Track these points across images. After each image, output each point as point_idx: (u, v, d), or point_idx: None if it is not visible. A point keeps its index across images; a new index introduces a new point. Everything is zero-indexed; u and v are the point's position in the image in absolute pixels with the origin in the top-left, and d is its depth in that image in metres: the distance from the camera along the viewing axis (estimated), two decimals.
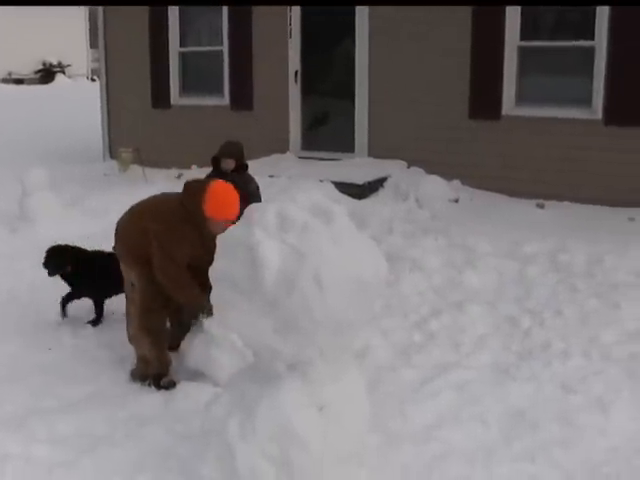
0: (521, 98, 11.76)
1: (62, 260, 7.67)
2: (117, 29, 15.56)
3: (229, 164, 8.58)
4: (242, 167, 8.62)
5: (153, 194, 6.72)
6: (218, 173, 8.58)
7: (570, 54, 11.45)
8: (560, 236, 9.35)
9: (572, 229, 9.77)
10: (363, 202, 11.10)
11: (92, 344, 7.08)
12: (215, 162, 8.73)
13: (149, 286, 6.18)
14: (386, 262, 4.34)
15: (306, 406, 4.27)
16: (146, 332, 6.31)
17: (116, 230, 6.54)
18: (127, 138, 15.11)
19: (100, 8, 15.93)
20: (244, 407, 4.35)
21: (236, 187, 6.49)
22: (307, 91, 13.60)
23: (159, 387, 6.24)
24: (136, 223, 6.31)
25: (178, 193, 6.30)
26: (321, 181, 11.30)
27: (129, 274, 6.38)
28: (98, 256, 7.72)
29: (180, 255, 5.96)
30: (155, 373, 6.33)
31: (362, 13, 12.70)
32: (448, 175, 11.71)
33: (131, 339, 6.48)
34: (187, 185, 6.29)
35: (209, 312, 5.94)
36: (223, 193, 6.08)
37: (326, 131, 13.64)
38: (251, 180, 8.60)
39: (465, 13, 11.71)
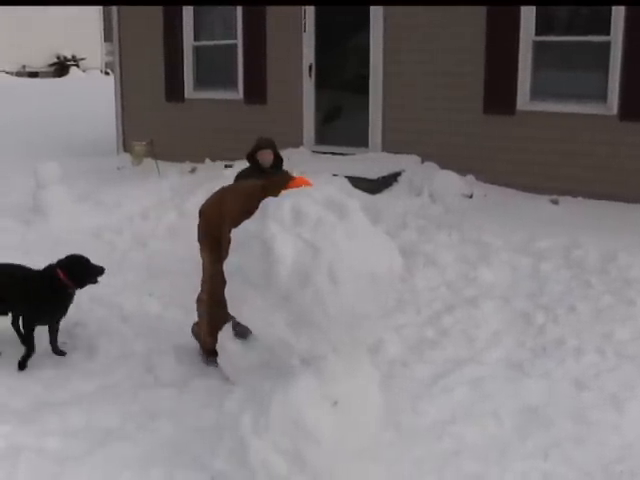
0: (536, 93, 11.70)
1: None
2: (131, 23, 15.58)
3: (267, 156, 8.48)
4: (279, 160, 8.51)
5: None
6: (255, 168, 8.49)
7: (585, 49, 11.38)
8: (574, 232, 9.30)
9: (586, 225, 9.72)
10: (377, 197, 11.07)
11: (106, 338, 7.07)
12: (252, 158, 8.60)
13: (220, 276, 6.06)
14: (401, 257, 4.32)
15: (319, 401, 4.26)
16: (207, 320, 6.35)
17: (200, 211, 6.53)
18: (141, 132, 15.10)
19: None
20: (257, 402, 4.35)
21: None
22: (321, 85, 13.55)
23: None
24: (218, 205, 6.27)
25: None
26: (335, 176, 11.27)
27: (203, 257, 6.41)
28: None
29: None
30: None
31: (377, 9, 12.67)
32: (462, 170, 11.67)
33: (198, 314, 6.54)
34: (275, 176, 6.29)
35: None
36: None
37: (340, 126, 13.60)
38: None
39: (480, 7, 11.66)
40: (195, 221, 6.64)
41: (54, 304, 6.75)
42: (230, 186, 6.53)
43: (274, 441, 4.24)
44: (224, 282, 5.78)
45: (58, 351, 6.84)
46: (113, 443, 5.20)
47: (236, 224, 4.90)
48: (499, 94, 11.83)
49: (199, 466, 4.77)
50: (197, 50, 14.97)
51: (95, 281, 6.83)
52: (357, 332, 4.23)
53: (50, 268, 6.73)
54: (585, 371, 6.25)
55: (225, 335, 5.95)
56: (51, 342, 6.86)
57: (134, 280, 8.49)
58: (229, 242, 4.70)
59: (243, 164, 9.03)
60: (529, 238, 9.22)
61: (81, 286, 6.78)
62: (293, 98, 13.61)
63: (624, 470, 4.98)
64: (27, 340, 6.68)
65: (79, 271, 6.72)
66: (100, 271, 6.83)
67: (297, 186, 5.67)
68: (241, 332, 5.99)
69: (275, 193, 5.41)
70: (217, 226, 6.13)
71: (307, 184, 5.80)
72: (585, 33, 11.33)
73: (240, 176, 8.57)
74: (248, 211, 4.90)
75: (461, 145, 12.03)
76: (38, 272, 6.81)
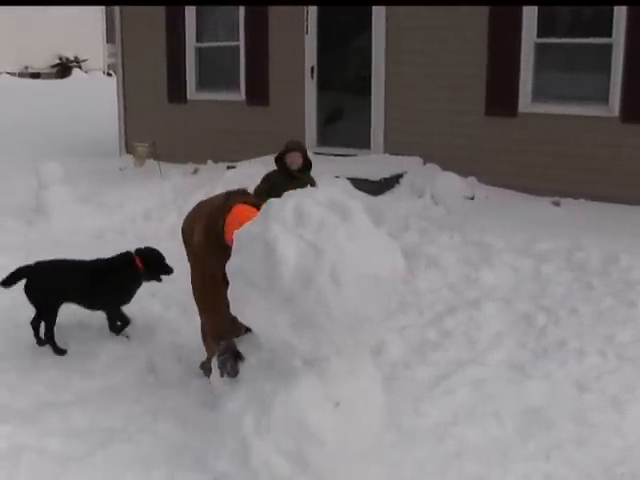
0: (537, 95, 11.70)
1: None
2: (134, 23, 15.58)
3: (296, 159, 8.18)
4: (308, 163, 8.35)
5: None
6: (283, 171, 8.23)
7: (587, 51, 11.39)
8: (576, 234, 9.30)
9: (588, 227, 9.73)
10: (379, 198, 11.07)
11: (108, 339, 7.07)
12: (280, 160, 8.28)
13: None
14: (403, 259, 4.33)
15: (322, 402, 4.27)
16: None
17: (182, 230, 6.12)
18: (143, 133, 15.09)
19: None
20: (259, 402, 4.35)
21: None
22: (323, 87, 13.56)
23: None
24: (192, 226, 5.83)
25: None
26: (337, 177, 11.27)
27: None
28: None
29: (220, 269, 4.85)
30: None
31: (379, 11, 12.68)
32: (464, 172, 11.67)
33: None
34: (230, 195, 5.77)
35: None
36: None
37: (342, 127, 13.61)
38: (314, 185, 8.07)
39: (482, 9, 11.66)
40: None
41: (126, 288, 7.04)
42: (198, 206, 6.01)
43: (276, 442, 4.24)
44: (224, 320, 5.73)
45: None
46: (115, 444, 5.20)
47: (200, 253, 5.45)
48: (501, 96, 11.84)
49: (201, 467, 4.77)
50: (199, 51, 14.98)
51: (160, 279, 7.10)
52: (359, 333, 4.23)
53: (129, 254, 7.02)
54: (586, 373, 6.25)
55: (215, 377, 5.90)
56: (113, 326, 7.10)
57: None
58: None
59: (245, 165, 8.96)
60: (531, 240, 9.22)
61: (149, 278, 7.04)
62: (295, 99, 13.61)
63: (625, 472, 4.98)
64: (120, 317, 7.12)
65: (155, 264, 7.03)
66: (169, 271, 7.09)
67: (236, 216, 5.26)
68: (230, 372, 5.97)
69: (225, 215, 5.38)
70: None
71: (245, 213, 5.24)
72: (587, 35, 11.33)
73: (267, 178, 8.29)
74: (209, 239, 5.34)
75: (463, 147, 12.03)
76: (112, 259, 7.05)
